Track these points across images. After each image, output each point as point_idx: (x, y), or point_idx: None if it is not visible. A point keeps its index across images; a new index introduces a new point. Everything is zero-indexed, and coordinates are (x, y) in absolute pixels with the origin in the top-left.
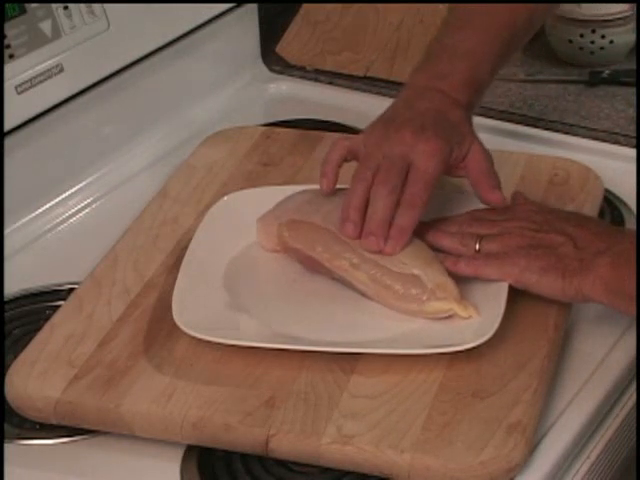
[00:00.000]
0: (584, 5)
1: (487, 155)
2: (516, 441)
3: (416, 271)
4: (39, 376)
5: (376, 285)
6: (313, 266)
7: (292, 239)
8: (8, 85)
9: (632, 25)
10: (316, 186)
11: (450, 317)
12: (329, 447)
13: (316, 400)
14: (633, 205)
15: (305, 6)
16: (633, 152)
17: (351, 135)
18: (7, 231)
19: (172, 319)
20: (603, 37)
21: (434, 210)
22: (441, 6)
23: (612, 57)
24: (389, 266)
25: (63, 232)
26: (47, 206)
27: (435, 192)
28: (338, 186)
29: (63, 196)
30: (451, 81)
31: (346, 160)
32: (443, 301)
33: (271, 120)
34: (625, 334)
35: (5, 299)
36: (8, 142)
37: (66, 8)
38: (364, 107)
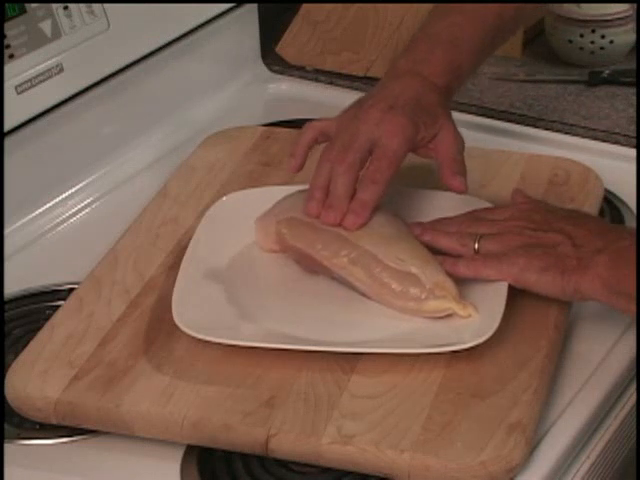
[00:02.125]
0: (584, 5)
1: (457, 140)
2: (516, 441)
3: (414, 269)
4: (39, 376)
5: (374, 283)
6: (311, 265)
7: (291, 237)
8: (8, 85)
9: (632, 25)
10: None
11: (450, 316)
12: (329, 447)
13: (316, 400)
14: (633, 205)
15: (305, 6)
16: (633, 152)
17: (325, 118)
18: (7, 231)
19: (172, 319)
20: (603, 37)
21: (434, 211)
22: None
23: (612, 57)
24: (385, 261)
25: (63, 232)
26: (47, 206)
27: (435, 192)
28: None
29: (63, 196)
30: (430, 65)
31: (317, 142)
32: (442, 300)
33: (271, 120)
34: (625, 334)
35: (5, 299)
36: (8, 142)
37: (66, 8)
38: None
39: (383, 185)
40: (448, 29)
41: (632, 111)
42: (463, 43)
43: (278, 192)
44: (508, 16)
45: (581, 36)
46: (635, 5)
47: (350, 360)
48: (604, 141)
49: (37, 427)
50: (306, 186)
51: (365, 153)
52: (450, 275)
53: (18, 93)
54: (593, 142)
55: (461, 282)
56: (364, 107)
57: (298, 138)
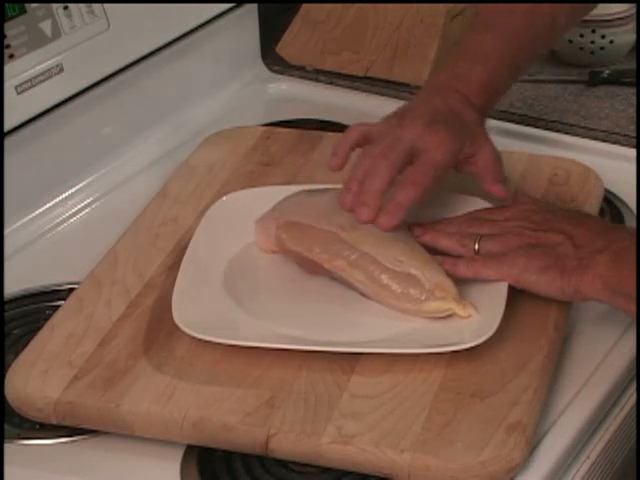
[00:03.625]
0: None
1: (497, 156)
2: (516, 441)
3: (413, 271)
4: (39, 376)
5: (374, 284)
6: (311, 267)
7: (290, 241)
8: (8, 85)
9: (632, 25)
10: (315, 186)
11: (450, 317)
12: (329, 447)
13: (316, 400)
14: (633, 205)
15: (305, 6)
16: (633, 152)
17: (368, 122)
18: (7, 231)
19: (172, 319)
20: (603, 37)
21: (434, 211)
22: (441, 6)
23: (612, 57)
24: (385, 263)
25: (63, 232)
26: (47, 206)
27: (435, 193)
28: (336, 186)
29: (63, 196)
30: (469, 83)
31: (359, 145)
32: (442, 301)
33: (271, 120)
34: (625, 334)
35: (5, 299)
36: (8, 142)
37: (66, 8)
38: (364, 107)
39: (421, 189)
40: (484, 46)
41: (632, 111)
42: (499, 62)
43: (278, 192)
44: (541, 26)
45: (581, 36)
46: (635, 5)
47: (350, 360)
48: (604, 141)
49: (37, 427)
50: (306, 186)
51: (406, 157)
52: (450, 275)
53: (18, 93)
54: (593, 142)
55: (461, 282)
56: (407, 119)
57: (341, 138)
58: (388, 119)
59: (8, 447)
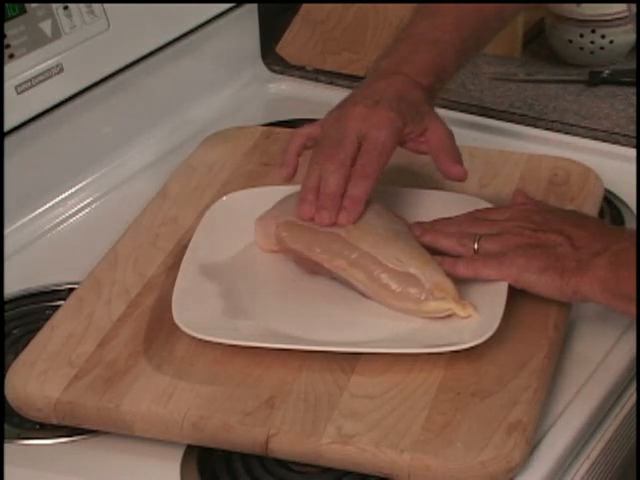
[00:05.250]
0: (584, 5)
1: (448, 132)
2: (516, 441)
3: (413, 270)
4: (39, 376)
5: (374, 284)
6: (312, 267)
7: (290, 240)
8: (8, 85)
9: (632, 25)
10: None
11: (450, 316)
12: (329, 447)
13: (316, 400)
14: (633, 205)
15: (305, 6)
16: (633, 152)
17: (309, 123)
18: (7, 231)
19: (172, 319)
20: (603, 37)
21: (434, 211)
22: None
23: (612, 57)
24: (385, 262)
25: (63, 232)
26: (47, 206)
27: (435, 192)
28: None
29: (63, 196)
30: (414, 65)
31: (307, 147)
32: (441, 301)
33: (271, 120)
34: (625, 334)
35: (5, 299)
36: (8, 142)
37: (66, 8)
38: None
39: (373, 179)
40: (431, 31)
41: (632, 111)
42: (446, 45)
43: (278, 192)
44: (490, 17)
45: (581, 36)
46: (635, 5)
47: (350, 360)
48: (604, 141)
49: (37, 427)
50: None
51: (354, 149)
52: (450, 275)
53: (18, 93)
54: (593, 142)
55: (461, 282)
56: (348, 105)
57: (287, 145)
58: (330, 113)
59: (8, 447)
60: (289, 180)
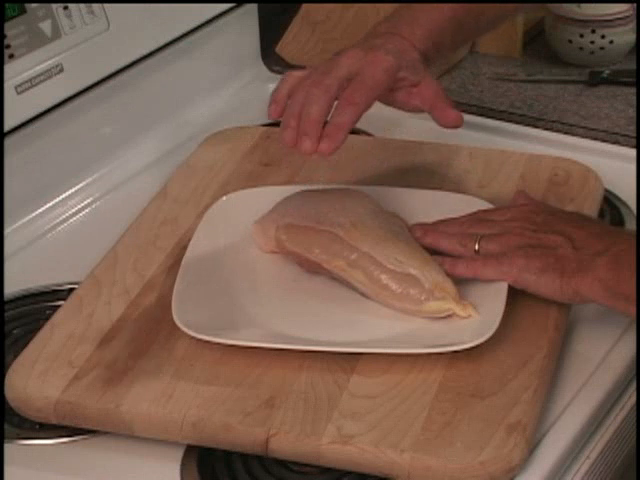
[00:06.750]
0: (584, 5)
1: (442, 88)
2: (516, 441)
3: (413, 271)
4: (39, 376)
5: (374, 285)
6: (312, 268)
7: (290, 242)
8: (8, 85)
9: (632, 25)
10: (315, 186)
11: (450, 316)
12: (329, 447)
13: (316, 400)
14: (633, 205)
15: (305, 6)
16: (633, 152)
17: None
18: (7, 231)
19: (172, 319)
20: (603, 37)
21: (434, 211)
22: None
23: (612, 57)
24: (385, 263)
25: (63, 232)
26: (47, 206)
27: (435, 193)
28: (335, 186)
29: (63, 196)
30: (412, 28)
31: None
32: (441, 301)
33: (271, 120)
34: (625, 334)
35: (5, 299)
36: (8, 142)
37: (66, 8)
38: None
39: (360, 107)
40: (433, 6)
41: (632, 111)
42: (445, 20)
43: (278, 192)
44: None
45: (581, 36)
46: (635, 5)
47: (350, 360)
48: (604, 141)
49: (37, 427)
50: (306, 187)
51: (343, 80)
52: (450, 275)
53: (18, 93)
54: (593, 142)
55: (461, 282)
56: (344, 51)
57: (278, 85)
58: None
59: (8, 447)
60: (278, 116)
